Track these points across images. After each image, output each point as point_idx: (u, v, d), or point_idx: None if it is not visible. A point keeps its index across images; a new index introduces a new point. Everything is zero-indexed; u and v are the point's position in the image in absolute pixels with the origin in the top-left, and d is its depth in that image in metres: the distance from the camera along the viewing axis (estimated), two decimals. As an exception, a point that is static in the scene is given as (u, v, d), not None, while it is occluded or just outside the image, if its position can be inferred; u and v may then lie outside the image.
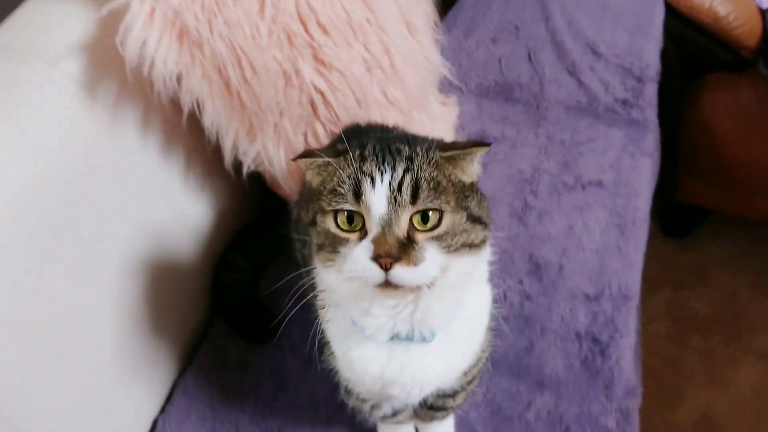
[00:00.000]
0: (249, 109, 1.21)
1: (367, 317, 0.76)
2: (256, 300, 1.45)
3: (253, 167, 1.29)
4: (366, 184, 0.67)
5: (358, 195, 0.68)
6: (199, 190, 1.42)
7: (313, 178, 0.76)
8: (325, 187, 0.72)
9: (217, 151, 1.30)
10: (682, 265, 2.36)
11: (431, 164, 0.70)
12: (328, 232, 0.71)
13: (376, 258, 0.65)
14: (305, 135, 1.29)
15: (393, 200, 0.66)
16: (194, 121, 1.24)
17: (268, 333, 1.34)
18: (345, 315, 0.82)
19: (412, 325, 0.77)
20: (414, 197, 0.67)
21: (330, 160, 0.72)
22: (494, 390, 1.28)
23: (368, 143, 0.73)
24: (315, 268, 0.80)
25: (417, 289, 0.70)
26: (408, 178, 0.67)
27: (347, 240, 0.69)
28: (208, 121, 1.21)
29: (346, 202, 0.68)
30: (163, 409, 1.33)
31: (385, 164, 0.68)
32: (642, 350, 1.49)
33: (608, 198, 1.54)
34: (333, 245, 0.70)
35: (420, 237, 0.67)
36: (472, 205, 0.72)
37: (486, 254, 0.80)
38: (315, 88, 1.22)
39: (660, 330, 2.19)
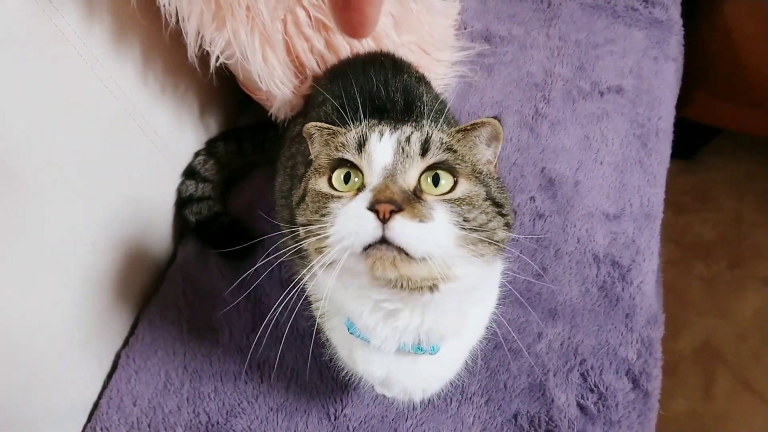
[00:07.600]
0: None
1: (372, 332, 0.68)
2: (226, 213, 1.29)
3: (222, 59, 1.07)
4: (373, 135, 0.62)
5: (361, 146, 0.62)
6: (161, 93, 1.21)
7: (316, 145, 0.70)
8: (324, 150, 0.67)
9: (178, 42, 1.08)
10: (685, 188, 2.22)
11: (440, 131, 0.65)
12: (318, 196, 0.62)
13: (374, 205, 0.54)
14: (284, 22, 1.08)
15: (400, 151, 0.60)
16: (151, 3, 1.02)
17: (243, 250, 1.19)
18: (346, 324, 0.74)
19: (419, 336, 0.70)
20: (424, 150, 0.60)
21: (338, 129, 0.67)
22: (498, 321, 1.14)
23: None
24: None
25: (422, 275, 0.57)
26: (418, 135, 0.62)
27: (339, 198, 0.60)
28: (164, -1, 0.99)
29: (347, 152, 0.62)
30: (126, 342, 1.17)
31: (396, 128, 0.64)
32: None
33: (629, 106, 1.37)
34: (321, 210, 0.60)
35: (429, 197, 0.58)
36: (493, 186, 0.64)
37: (495, 271, 0.75)
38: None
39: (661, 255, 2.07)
